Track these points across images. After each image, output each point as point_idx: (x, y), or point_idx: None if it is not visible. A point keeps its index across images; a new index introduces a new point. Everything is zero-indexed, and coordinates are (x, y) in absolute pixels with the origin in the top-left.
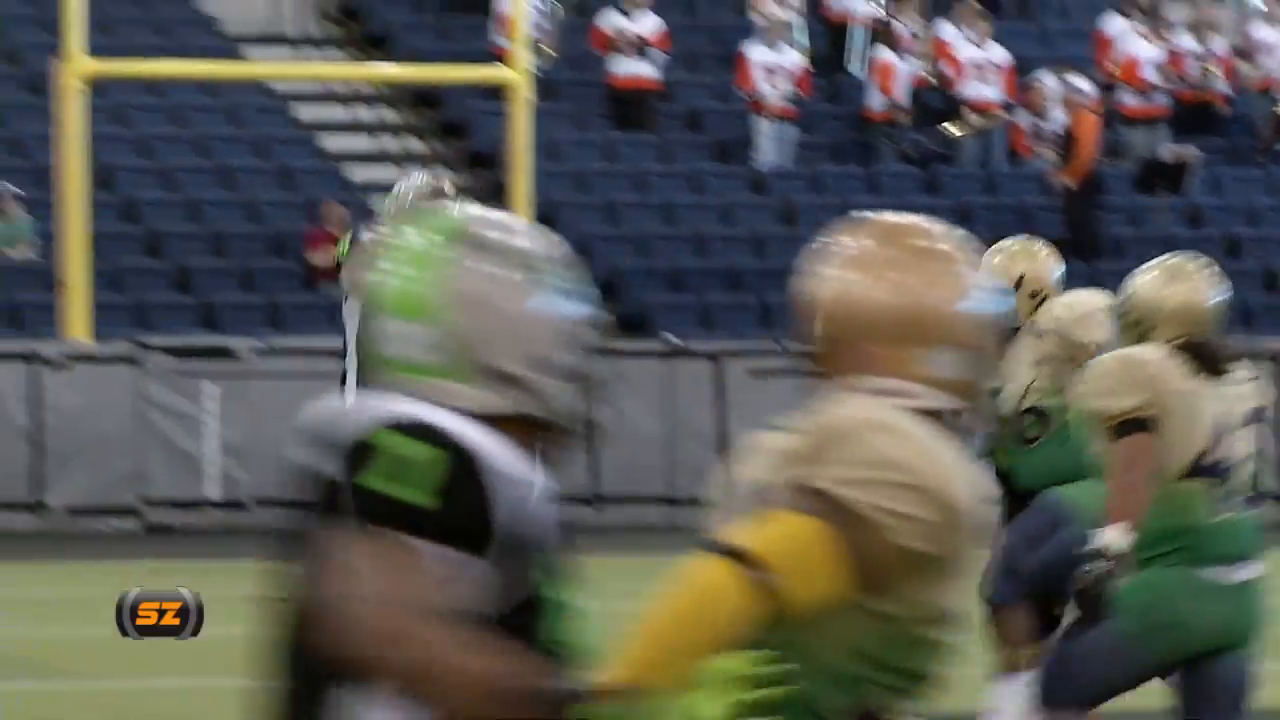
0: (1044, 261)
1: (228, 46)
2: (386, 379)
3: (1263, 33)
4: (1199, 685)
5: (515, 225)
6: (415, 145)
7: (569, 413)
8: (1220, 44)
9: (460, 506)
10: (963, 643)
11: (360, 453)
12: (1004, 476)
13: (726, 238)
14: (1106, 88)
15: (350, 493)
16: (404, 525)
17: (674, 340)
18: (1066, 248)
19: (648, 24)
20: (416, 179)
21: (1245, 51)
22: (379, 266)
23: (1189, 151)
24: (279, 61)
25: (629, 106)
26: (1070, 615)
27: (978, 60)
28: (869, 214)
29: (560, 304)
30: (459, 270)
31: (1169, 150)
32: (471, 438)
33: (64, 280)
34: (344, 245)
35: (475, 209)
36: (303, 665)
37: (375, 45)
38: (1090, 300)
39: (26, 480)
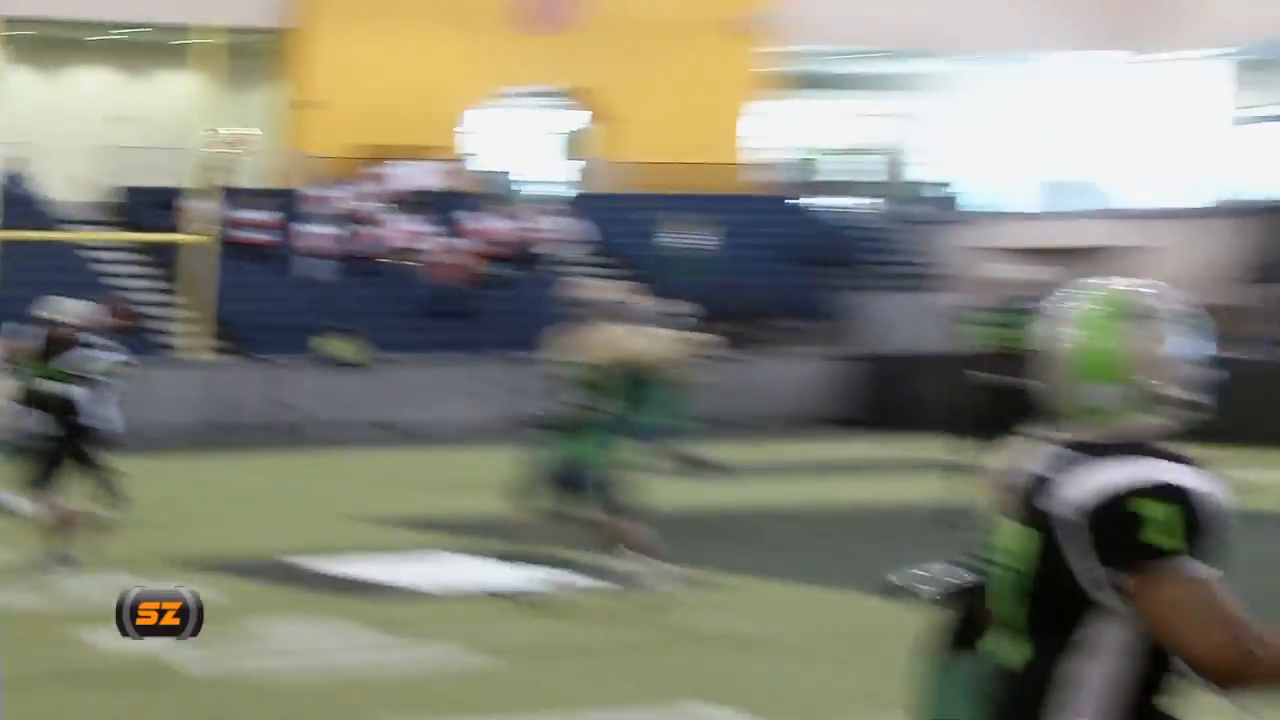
0: None
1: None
2: (1083, 422)
3: None
4: None
5: (1154, 289)
6: None
7: (1197, 411)
8: None
9: (1194, 544)
10: None
11: (1120, 512)
12: None
13: None
14: None
15: (1129, 543)
16: (1169, 557)
17: None
18: None
19: None
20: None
21: None
22: (1067, 334)
23: None
24: None
25: None
26: None
27: None
28: None
29: (1187, 341)
30: (1134, 334)
31: None
32: (1188, 482)
33: None
34: None
35: (1144, 283)
36: (1051, 602)
37: None
38: None
39: None
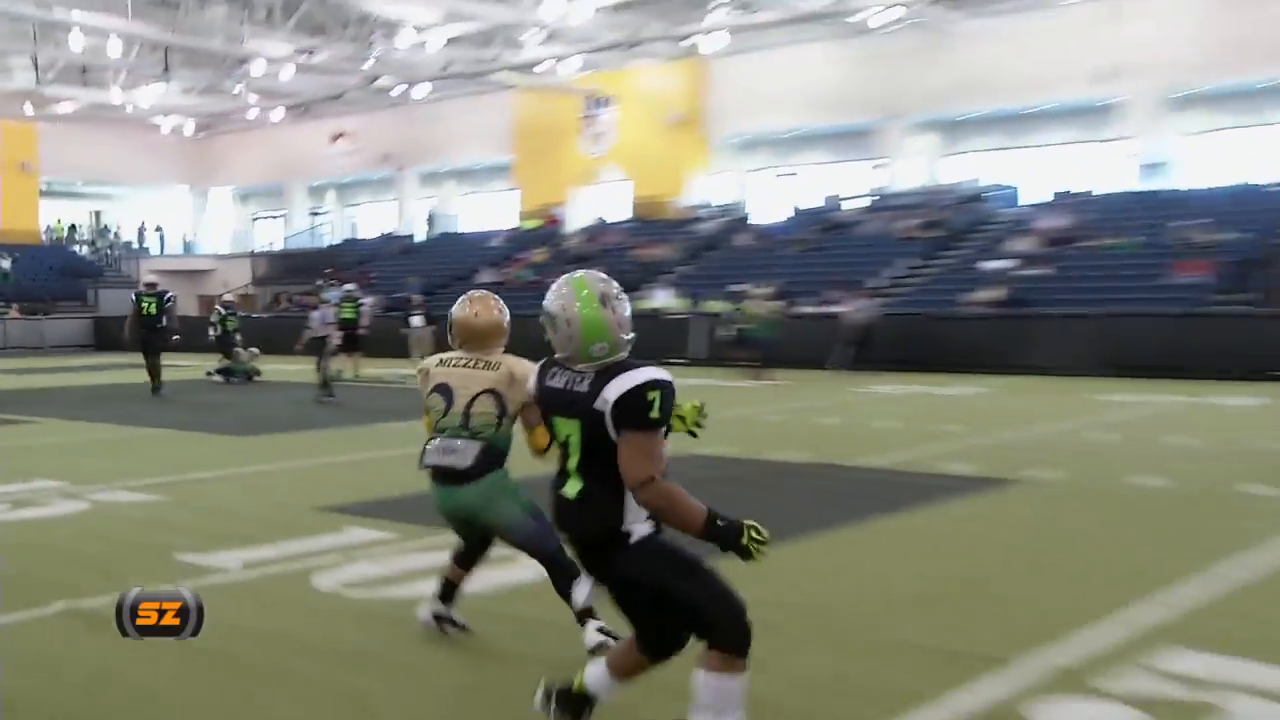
0: None
1: None
2: (591, 361)
3: None
4: None
5: (609, 280)
6: None
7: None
8: None
9: (667, 416)
10: None
11: (639, 399)
12: None
13: None
14: None
15: (639, 415)
16: (655, 427)
17: None
18: None
19: None
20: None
21: None
22: (575, 314)
23: None
24: None
25: None
26: None
27: None
28: None
29: (625, 307)
30: (608, 311)
31: None
32: (664, 376)
33: None
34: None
35: (594, 274)
36: (598, 456)
37: None
38: None
39: None
